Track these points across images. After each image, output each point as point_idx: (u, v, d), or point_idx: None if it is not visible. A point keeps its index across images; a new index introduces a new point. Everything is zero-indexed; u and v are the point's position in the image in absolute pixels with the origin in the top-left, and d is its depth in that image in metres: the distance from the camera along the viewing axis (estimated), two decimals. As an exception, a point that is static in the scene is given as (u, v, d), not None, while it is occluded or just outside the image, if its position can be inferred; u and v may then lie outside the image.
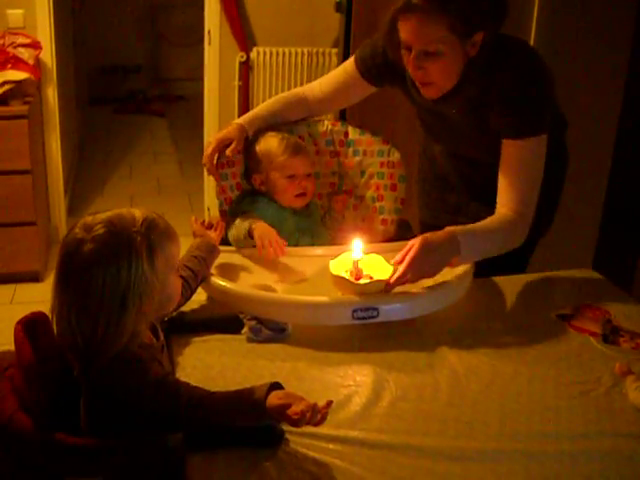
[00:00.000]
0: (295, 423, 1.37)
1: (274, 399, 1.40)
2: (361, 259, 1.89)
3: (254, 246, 2.09)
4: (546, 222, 2.30)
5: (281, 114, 2.34)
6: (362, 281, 1.85)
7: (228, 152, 2.19)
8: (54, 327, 1.50)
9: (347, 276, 1.86)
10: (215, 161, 2.21)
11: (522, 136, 1.98)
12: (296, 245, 2.21)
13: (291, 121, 2.37)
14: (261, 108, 2.36)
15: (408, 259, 1.82)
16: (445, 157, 2.34)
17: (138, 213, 1.51)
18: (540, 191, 2.04)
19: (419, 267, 1.83)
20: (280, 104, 2.37)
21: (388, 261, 1.90)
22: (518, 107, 1.98)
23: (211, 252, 1.97)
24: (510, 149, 2.00)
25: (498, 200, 2.03)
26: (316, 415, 1.37)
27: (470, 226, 1.95)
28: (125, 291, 1.43)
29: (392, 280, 1.83)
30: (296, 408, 1.37)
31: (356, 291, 1.83)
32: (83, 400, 1.50)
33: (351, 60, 2.27)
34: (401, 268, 1.82)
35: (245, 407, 1.42)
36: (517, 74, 1.97)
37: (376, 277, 1.87)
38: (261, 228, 2.10)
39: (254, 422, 1.45)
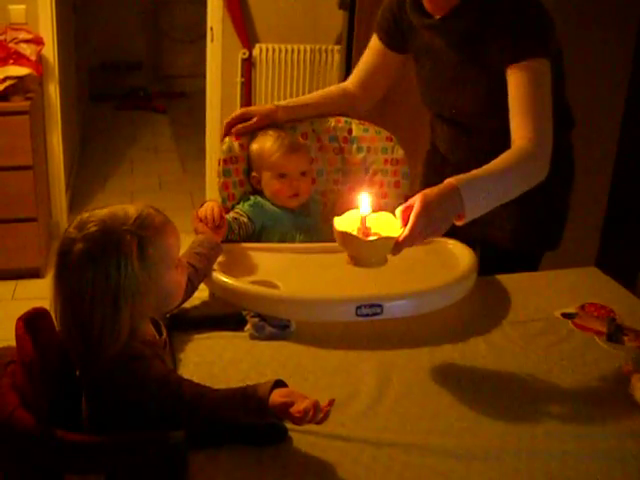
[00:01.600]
0: (298, 421, 1.36)
1: (277, 397, 1.39)
2: (369, 216, 1.71)
3: (233, 241, 2.12)
4: (556, 235, 2.29)
5: (324, 104, 2.37)
6: (370, 238, 1.68)
7: (239, 127, 2.26)
8: (55, 323, 1.50)
9: (354, 233, 1.69)
10: (231, 128, 2.27)
11: (525, 56, 1.95)
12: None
13: (334, 113, 2.39)
14: (304, 97, 2.41)
15: (413, 218, 1.67)
16: (445, 130, 2.31)
17: (132, 210, 1.50)
18: (547, 203, 2.02)
19: (424, 227, 1.69)
20: (321, 95, 2.40)
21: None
22: (518, 29, 1.96)
23: (213, 249, 1.95)
24: (515, 77, 1.96)
25: (512, 136, 1.96)
26: (319, 413, 1.36)
27: (474, 172, 1.82)
28: (116, 291, 1.42)
29: (400, 239, 1.67)
30: (299, 406, 1.36)
31: (363, 249, 1.67)
32: (85, 397, 1.50)
33: (374, 35, 2.30)
34: (408, 228, 1.67)
35: (248, 405, 1.41)
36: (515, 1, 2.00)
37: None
38: (207, 204, 2.12)
39: (257, 420, 1.44)
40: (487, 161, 1.88)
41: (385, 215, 1.74)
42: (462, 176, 1.79)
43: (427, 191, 1.72)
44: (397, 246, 1.67)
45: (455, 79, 2.13)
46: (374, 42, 2.31)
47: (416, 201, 1.69)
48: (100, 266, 1.42)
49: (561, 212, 2.31)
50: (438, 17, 2.04)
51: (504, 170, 1.86)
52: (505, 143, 1.94)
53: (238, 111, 2.32)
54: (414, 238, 1.67)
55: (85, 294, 1.42)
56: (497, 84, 2.01)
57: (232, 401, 1.43)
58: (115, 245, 1.43)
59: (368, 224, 1.70)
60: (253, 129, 2.28)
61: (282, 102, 2.36)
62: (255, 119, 2.26)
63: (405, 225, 1.68)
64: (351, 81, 2.40)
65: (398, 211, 1.71)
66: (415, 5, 2.09)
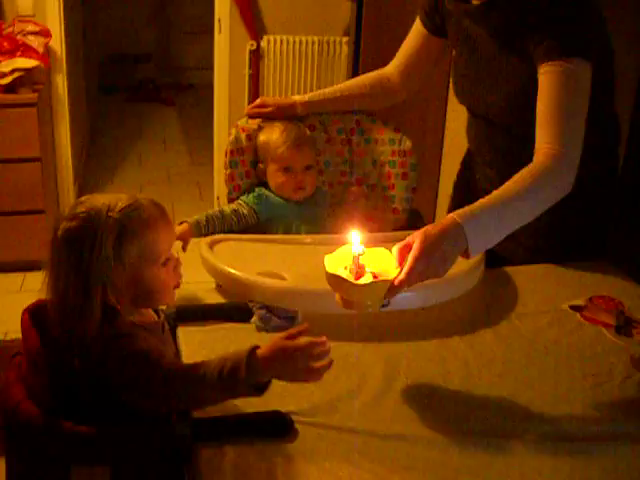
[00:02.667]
0: (295, 365, 1.36)
1: (263, 350, 1.37)
2: (363, 253, 1.57)
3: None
4: (597, 241, 2.21)
5: (355, 96, 2.34)
6: (362, 280, 1.54)
7: (254, 109, 2.31)
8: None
9: (345, 274, 1.54)
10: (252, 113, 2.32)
11: (560, 55, 1.80)
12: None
13: (365, 106, 2.37)
14: (330, 89, 2.38)
15: (411, 259, 1.55)
16: (474, 127, 2.24)
17: (125, 199, 1.49)
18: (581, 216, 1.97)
19: (423, 269, 1.56)
20: (352, 86, 2.37)
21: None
22: (557, 24, 1.83)
23: None
24: (546, 77, 1.82)
25: (536, 145, 1.81)
26: (315, 347, 1.36)
27: (481, 203, 1.67)
28: (87, 275, 1.42)
29: (396, 283, 1.54)
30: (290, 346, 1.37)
31: (354, 293, 1.54)
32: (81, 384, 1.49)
33: (417, 19, 2.23)
34: (405, 271, 1.54)
35: (234, 370, 1.34)
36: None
37: (381, 275, 1.56)
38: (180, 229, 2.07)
39: (244, 390, 1.36)
40: (511, 165, 1.80)
41: (381, 251, 1.61)
42: (466, 210, 1.65)
43: (428, 229, 1.59)
44: (392, 290, 1.54)
45: (491, 71, 2.03)
46: (416, 26, 2.24)
47: (415, 240, 1.57)
48: (76, 247, 1.43)
49: (599, 223, 2.20)
50: (477, 3, 1.93)
51: (517, 195, 1.71)
52: (532, 149, 1.83)
53: (258, 100, 2.34)
54: (411, 281, 1.55)
55: (61, 272, 1.43)
56: (533, 83, 1.87)
57: (216, 370, 1.36)
58: (94, 228, 1.43)
59: (362, 262, 1.57)
60: (266, 115, 2.29)
61: (306, 95, 2.35)
62: (270, 108, 2.28)
63: (402, 265, 1.56)
64: (392, 66, 2.33)
65: (395, 249, 1.59)
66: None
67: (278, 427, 1.44)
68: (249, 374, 1.34)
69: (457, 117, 2.26)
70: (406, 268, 1.54)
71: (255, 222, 2.20)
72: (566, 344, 1.81)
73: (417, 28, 2.25)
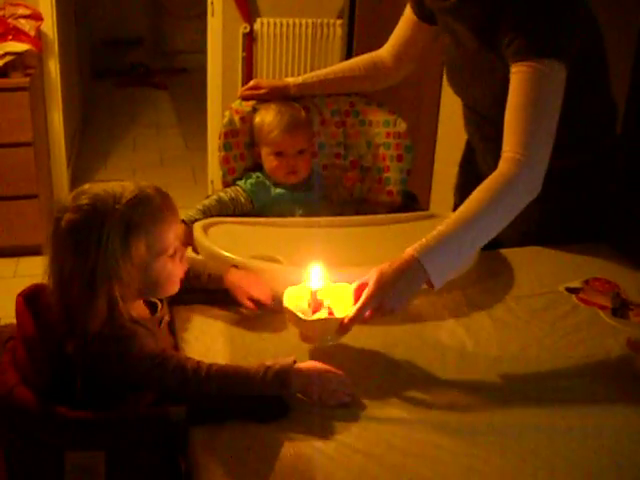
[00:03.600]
0: (327, 385, 1.45)
1: (300, 364, 1.45)
2: (323, 289, 1.62)
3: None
4: (595, 227, 2.20)
5: (348, 78, 2.34)
6: (316, 316, 1.59)
7: (246, 91, 2.31)
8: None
9: (302, 308, 1.61)
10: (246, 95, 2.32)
11: (529, 56, 1.75)
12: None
13: (359, 88, 2.37)
14: (324, 70, 2.37)
15: (364, 298, 1.57)
16: (467, 115, 2.24)
17: (131, 188, 1.45)
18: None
19: (378, 305, 1.58)
20: (346, 68, 2.36)
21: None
22: (528, 23, 1.78)
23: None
24: (515, 77, 1.77)
25: (502, 148, 1.77)
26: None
27: (439, 231, 1.65)
28: (93, 269, 1.39)
29: (346, 321, 1.57)
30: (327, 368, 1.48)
31: (304, 328, 1.61)
32: (77, 372, 1.48)
33: (407, 5, 2.21)
34: (355, 308, 1.57)
35: (267, 374, 1.41)
36: None
37: (338, 311, 1.61)
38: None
39: (270, 390, 1.42)
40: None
41: (344, 287, 1.64)
42: (423, 242, 1.63)
43: (384, 267, 1.60)
44: (342, 328, 1.58)
45: (474, 65, 2.02)
46: (407, 11, 2.22)
47: (370, 279, 1.59)
48: (82, 240, 1.40)
49: (598, 205, 2.18)
50: (452, 0, 1.90)
51: (479, 212, 1.69)
52: None
53: (252, 82, 2.33)
54: (362, 320, 1.58)
55: (65, 265, 1.41)
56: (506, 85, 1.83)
57: (248, 370, 1.43)
58: (100, 222, 1.40)
59: (325, 297, 1.62)
60: (259, 98, 2.29)
61: (299, 78, 2.34)
62: (263, 91, 2.27)
63: (356, 302, 1.58)
64: (385, 49, 2.32)
65: (351, 287, 1.61)
66: None
67: (273, 410, 1.43)
68: (285, 383, 1.42)
69: (452, 99, 2.25)
70: (357, 306, 1.57)
71: (251, 209, 2.19)
72: (562, 326, 1.80)
73: (407, 14, 2.23)
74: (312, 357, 1.60)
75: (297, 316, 1.57)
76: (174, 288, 1.58)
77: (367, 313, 1.58)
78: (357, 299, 1.59)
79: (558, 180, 1.89)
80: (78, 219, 1.41)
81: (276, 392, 1.43)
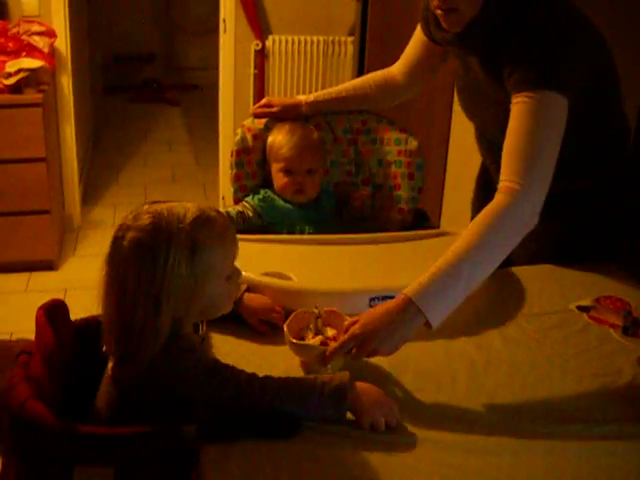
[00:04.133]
0: (379, 410, 1.46)
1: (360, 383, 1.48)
2: (332, 316, 1.69)
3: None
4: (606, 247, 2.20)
5: (360, 95, 2.35)
6: (308, 341, 1.64)
7: (258, 109, 2.33)
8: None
9: (305, 332, 1.68)
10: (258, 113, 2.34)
11: (529, 88, 1.76)
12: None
13: (371, 105, 2.38)
14: (336, 88, 2.39)
15: (346, 336, 1.58)
16: (482, 143, 2.25)
17: (193, 209, 1.45)
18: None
19: (361, 344, 1.57)
20: (357, 85, 2.37)
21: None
22: (528, 56, 1.79)
23: None
24: (515, 108, 1.78)
25: (499, 178, 1.77)
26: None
27: (434, 270, 1.62)
28: (160, 289, 1.37)
29: (327, 353, 1.58)
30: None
31: (292, 350, 1.63)
32: (117, 394, 1.48)
33: (418, 26, 2.22)
34: (337, 343, 1.58)
35: (324, 388, 1.43)
36: (533, 29, 1.81)
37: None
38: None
39: (326, 406, 1.44)
40: None
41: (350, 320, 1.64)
42: (416, 284, 1.61)
43: (376, 307, 1.62)
44: (322, 359, 1.59)
45: (481, 92, 2.03)
46: (417, 31, 2.23)
47: (362, 317, 1.60)
48: (147, 260, 1.37)
49: (607, 225, 2.17)
50: (452, 33, 1.92)
51: (474, 248, 1.65)
52: None
53: (264, 99, 2.35)
54: (342, 355, 1.59)
55: (129, 286, 1.38)
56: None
57: (303, 384, 1.45)
58: (166, 241, 1.38)
59: (334, 325, 1.68)
60: (271, 116, 2.30)
61: (311, 95, 2.35)
62: (275, 108, 2.29)
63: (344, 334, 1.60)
64: (397, 67, 2.33)
65: (346, 323, 1.63)
66: (436, 20, 1.96)
67: (284, 427, 1.43)
68: (342, 399, 1.44)
69: (463, 117, 2.25)
70: (338, 342, 1.58)
71: (259, 224, 2.20)
72: (573, 345, 1.80)
73: (418, 33, 2.24)
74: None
75: (287, 337, 1.61)
76: (228, 308, 1.57)
77: (353, 350, 1.58)
78: (344, 333, 1.60)
79: (570, 201, 1.90)
80: (143, 238, 1.39)
81: (331, 408, 1.44)
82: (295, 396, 1.44)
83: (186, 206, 1.46)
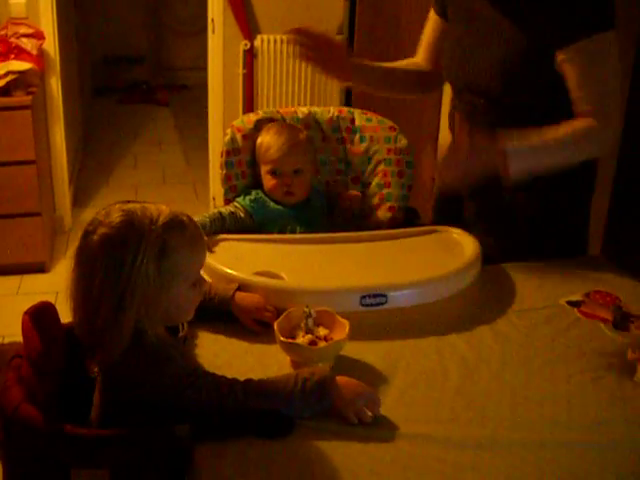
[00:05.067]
0: (357, 400, 1.46)
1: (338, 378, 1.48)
2: (325, 317, 1.69)
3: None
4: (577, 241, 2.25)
5: (402, 80, 2.33)
6: (298, 340, 1.64)
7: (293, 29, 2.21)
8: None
9: (297, 331, 1.68)
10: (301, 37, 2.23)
11: (581, 37, 1.87)
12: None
13: (400, 84, 2.35)
14: (382, 65, 2.33)
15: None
16: (465, 108, 2.20)
17: (166, 212, 1.44)
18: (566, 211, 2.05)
19: (461, 169, 1.90)
20: (393, 62, 2.34)
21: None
22: (572, 7, 1.88)
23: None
24: (571, 63, 1.90)
25: (574, 113, 1.93)
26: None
27: (528, 141, 1.87)
28: (124, 287, 1.37)
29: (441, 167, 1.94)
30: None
31: (284, 349, 1.64)
32: (99, 393, 1.48)
33: (431, 10, 2.23)
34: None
35: (306, 384, 1.44)
36: None
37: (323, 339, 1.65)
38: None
39: (309, 403, 1.45)
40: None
41: (342, 322, 1.67)
42: (517, 141, 1.84)
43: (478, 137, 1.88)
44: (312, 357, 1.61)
45: (488, 37, 2.02)
46: (431, 15, 2.24)
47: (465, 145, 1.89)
48: (116, 256, 1.37)
49: (582, 218, 2.23)
50: None
51: (557, 143, 1.89)
52: (518, 124, 1.91)
53: (311, 28, 2.21)
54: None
55: (95, 281, 1.38)
56: (533, 51, 1.93)
57: (285, 384, 1.45)
58: (137, 240, 1.38)
59: (328, 325, 1.68)
60: (313, 35, 2.20)
61: (357, 59, 2.26)
62: (334, 48, 2.21)
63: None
64: (418, 57, 2.31)
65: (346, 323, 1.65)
66: None
67: (278, 427, 1.44)
68: (326, 393, 1.45)
69: (452, 114, 2.26)
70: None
71: (251, 224, 2.20)
72: (563, 340, 1.81)
73: (432, 17, 2.24)
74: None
75: (277, 335, 1.62)
76: (189, 316, 1.57)
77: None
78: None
79: (544, 192, 2.01)
80: (114, 235, 1.39)
81: (315, 403, 1.44)
82: (278, 396, 1.44)
83: (160, 208, 1.45)
